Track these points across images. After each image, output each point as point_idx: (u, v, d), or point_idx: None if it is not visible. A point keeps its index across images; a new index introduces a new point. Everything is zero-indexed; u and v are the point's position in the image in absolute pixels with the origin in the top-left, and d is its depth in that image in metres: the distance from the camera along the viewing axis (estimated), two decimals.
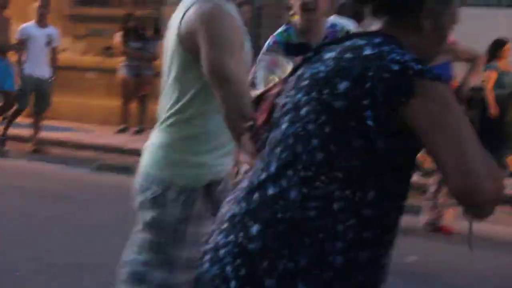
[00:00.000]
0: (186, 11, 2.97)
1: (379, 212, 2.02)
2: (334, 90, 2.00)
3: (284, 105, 2.14)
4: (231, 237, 2.05)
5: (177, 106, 3.02)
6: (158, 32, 13.16)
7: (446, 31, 2.15)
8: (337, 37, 2.17)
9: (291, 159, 2.05)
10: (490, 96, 10.34)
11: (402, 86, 1.92)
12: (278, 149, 2.09)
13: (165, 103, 3.08)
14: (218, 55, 2.86)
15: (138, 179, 3.10)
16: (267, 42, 4.60)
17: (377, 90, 1.94)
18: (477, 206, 1.91)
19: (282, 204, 2.02)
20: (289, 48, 4.11)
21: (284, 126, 2.11)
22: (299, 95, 2.10)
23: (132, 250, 3.09)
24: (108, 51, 14.09)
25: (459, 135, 1.90)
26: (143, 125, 13.00)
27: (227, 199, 2.18)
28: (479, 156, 1.89)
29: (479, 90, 10.26)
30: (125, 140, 12.32)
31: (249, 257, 2.01)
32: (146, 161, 3.10)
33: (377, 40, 2.05)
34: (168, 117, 3.05)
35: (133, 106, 13.35)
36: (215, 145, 3.03)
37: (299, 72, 2.17)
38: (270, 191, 2.05)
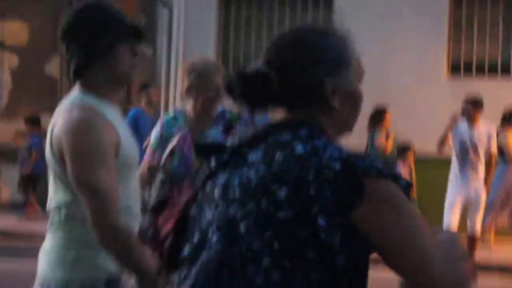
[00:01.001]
0: (60, 116, 2.89)
1: None
2: (274, 199, 1.80)
3: (209, 221, 1.90)
4: None
5: (60, 210, 2.92)
6: None
7: (356, 92, 2.00)
8: (255, 133, 1.98)
9: (246, 285, 1.80)
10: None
11: (352, 187, 1.76)
12: (225, 275, 1.83)
13: (51, 204, 2.98)
14: (82, 169, 2.79)
15: (35, 285, 2.96)
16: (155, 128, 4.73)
17: (324, 194, 1.76)
18: None
19: None
20: (201, 149, 4.15)
21: (220, 247, 1.85)
22: (232, 209, 1.86)
23: None
24: None
25: (415, 238, 1.78)
26: None
27: None
28: (441, 260, 1.78)
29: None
30: None
31: None
32: (41, 265, 2.97)
33: (303, 132, 1.89)
34: (55, 219, 2.95)
35: None
36: None
37: (220, 180, 1.93)
38: None
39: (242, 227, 1.82)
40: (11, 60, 13.38)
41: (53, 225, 2.96)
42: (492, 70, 11.99)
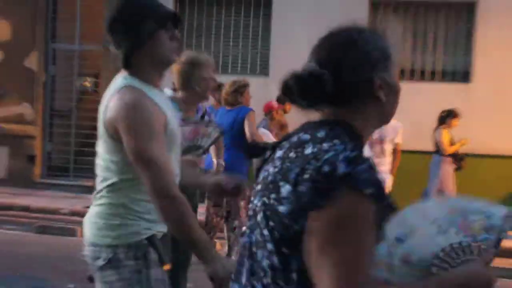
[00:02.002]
0: (111, 97, 3.02)
1: None
2: (278, 194, 1.85)
3: (250, 213, 2.02)
4: None
5: (109, 181, 3.07)
6: None
7: (397, 83, 2.02)
8: (292, 131, 2.03)
9: (255, 268, 1.94)
10: None
11: (322, 191, 1.75)
12: (245, 259, 2.00)
13: (98, 176, 3.13)
14: (139, 143, 2.89)
15: (87, 250, 3.13)
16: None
17: (305, 191, 1.78)
18: None
19: None
20: (252, 149, 4.03)
21: (248, 235, 1.99)
22: (256, 201, 1.97)
23: None
24: None
25: (347, 259, 1.73)
26: None
27: None
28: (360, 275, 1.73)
29: None
30: None
31: None
32: (89, 232, 3.12)
33: (320, 133, 1.90)
34: (102, 190, 3.10)
35: None
36: (150, 208, 3.04)
37: (259, 176, 2.04)
38: None
39: (259, 217, 1.93)
40: None
41: (100, 194, 3.11)
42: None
